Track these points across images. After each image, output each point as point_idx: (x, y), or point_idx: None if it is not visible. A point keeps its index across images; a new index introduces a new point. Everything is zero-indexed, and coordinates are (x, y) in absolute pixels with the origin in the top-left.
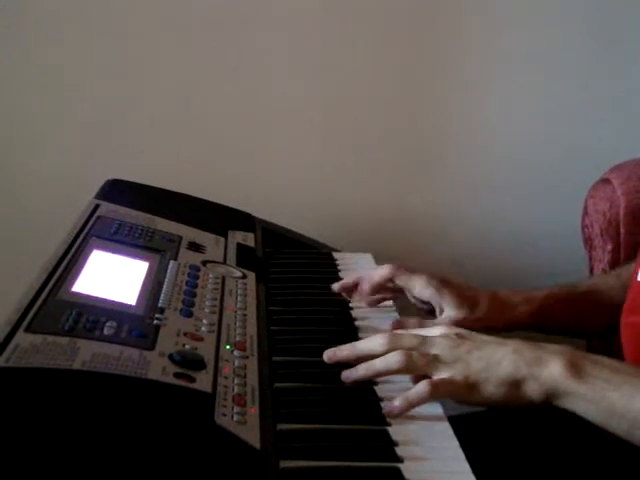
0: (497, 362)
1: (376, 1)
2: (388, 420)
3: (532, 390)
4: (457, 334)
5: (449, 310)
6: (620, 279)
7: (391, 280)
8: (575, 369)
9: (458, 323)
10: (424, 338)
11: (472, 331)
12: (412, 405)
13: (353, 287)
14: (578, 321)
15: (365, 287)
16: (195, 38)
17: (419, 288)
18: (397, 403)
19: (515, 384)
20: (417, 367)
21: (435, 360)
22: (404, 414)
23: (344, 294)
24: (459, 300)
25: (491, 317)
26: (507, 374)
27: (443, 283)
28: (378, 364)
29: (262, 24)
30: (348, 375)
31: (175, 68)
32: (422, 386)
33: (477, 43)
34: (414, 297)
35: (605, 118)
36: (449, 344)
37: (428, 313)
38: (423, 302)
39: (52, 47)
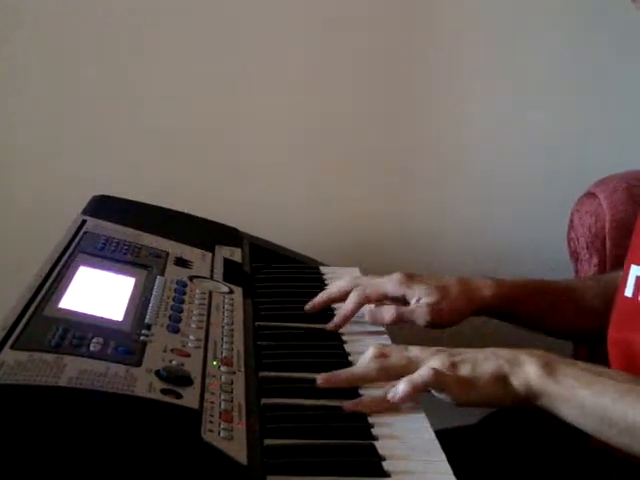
0: (482, 362)
1: (364, 23)
2: (375, 435)
3: (516, 386)
4: (437, 349)
5: (424, 298)
6: (599, 283)
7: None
8: (549, 369)
9: (433, 306)
10: (410, 358)
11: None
12: (417, 389)
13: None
14: (550, 314)
15: (339, 321)
16: (183, 56)
17: (392, 289)
18: (401, 387)
19: (502, 379)
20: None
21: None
22: (407, 401)
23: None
24: (429, 287)
25: (461, 300)
26: (493, 370)
27: (411, 276)
28: (415, 378)
29: (249, 42)
30: (393, 396)
31: (161, 84)
32: (426, 370)
33: (461, 61)
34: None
35: (591, 132)
36: (435, 356)
37: (403, 303)
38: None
39: (39, 60)
